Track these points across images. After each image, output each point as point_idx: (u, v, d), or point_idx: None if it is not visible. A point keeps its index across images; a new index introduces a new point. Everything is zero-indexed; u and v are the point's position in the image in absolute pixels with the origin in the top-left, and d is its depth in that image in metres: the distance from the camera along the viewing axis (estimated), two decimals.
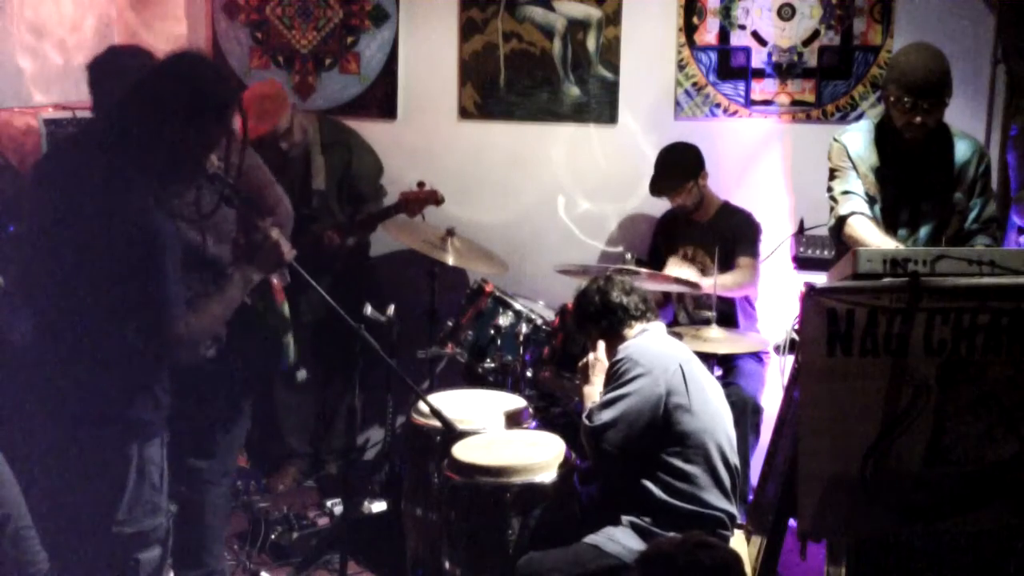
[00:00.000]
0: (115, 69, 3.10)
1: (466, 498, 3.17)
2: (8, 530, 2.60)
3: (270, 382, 4.47)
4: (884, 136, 3.52)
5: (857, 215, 3.43)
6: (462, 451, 3.25)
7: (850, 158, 3.52)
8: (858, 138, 3.55)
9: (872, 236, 3.36)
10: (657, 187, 4.30)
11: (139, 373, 2.66)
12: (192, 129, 2.56)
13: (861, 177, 3.51)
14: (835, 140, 3.60)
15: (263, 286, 3.09)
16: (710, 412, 3.11)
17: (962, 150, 3.52)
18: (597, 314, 3.32)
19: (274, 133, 4.23)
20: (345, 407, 4.72)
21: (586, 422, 3.14)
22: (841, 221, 3.46)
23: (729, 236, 4.23)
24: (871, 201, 3.51)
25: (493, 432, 3.45)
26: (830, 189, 3.56)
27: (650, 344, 3.20)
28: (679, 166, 4.26)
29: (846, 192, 3.50)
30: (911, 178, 3.50)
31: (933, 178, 3.50)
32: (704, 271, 4.21)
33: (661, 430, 3.05)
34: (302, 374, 3.38)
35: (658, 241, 4.51)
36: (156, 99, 2.54)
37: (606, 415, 3.08)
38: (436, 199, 4.44)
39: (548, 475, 3.16)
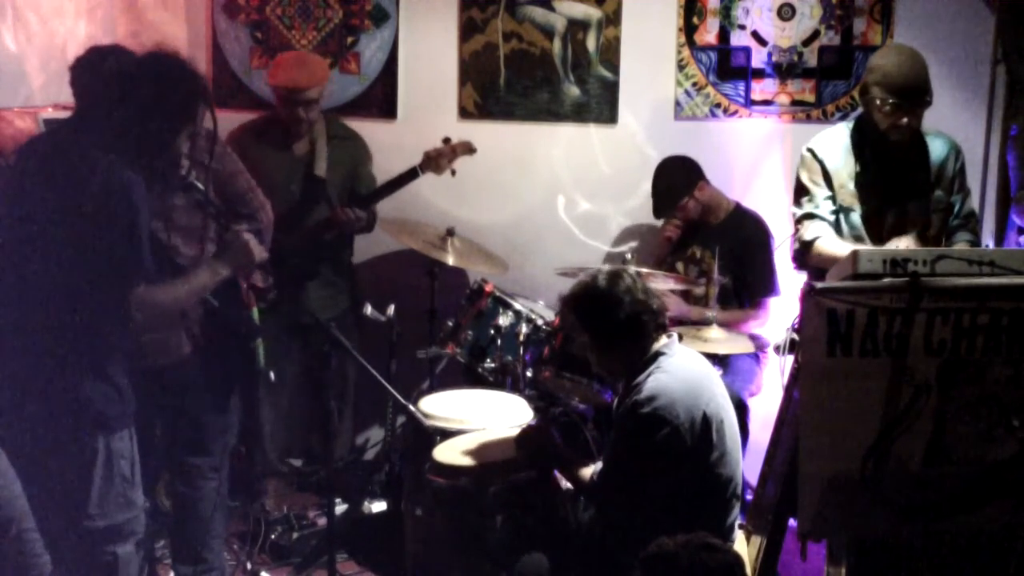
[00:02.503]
0: (96, 68, 3.15)
1: (448, 500, 3.17)
2: (11, 532, 2.61)
3: (254, 395, 4.40)
4: (863, 140, 3.51)
5: (823, 237, 3.45)
6: (442, 453, 3.24)
7: (825, 172, 3.51)
8: (834, 147, 3.54)
9: (844, 250, 3.32)
10: (656, 210, 4.31)
11: (101, 362, 2.71)
12: (160, 118, 2.73)
13: (837, 189, 3.50)
14: (808, 151, 3.58)
15: (233, 291, 3.16)
16: (732, 454, 2.96)
17: (938, 148, 3.53)
18: (626, 324, 2.91)
19: (298, 93, 4.23)
20: (328, 409, 4.66)
21: (604, 482, 2.92)
22: (806, 246, 3.48)
23: (740, 243, 4.23)
24: (847, 211, 3.50)
25: (475, 432, 3.43)
26: (795, 209, 3.55)
27: (677, 377, 2.89)
28: (670, 187, 4.24)
29: (809, 215, 3.51)
30: (894, 180, 3.50)
31: (914, 179, 3.50)
32: (708, 273, 4.22)
33: (682, 482, 2.87)
34: (271, 376, 3.42)
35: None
36: (129, 94, 2.72)
37: (626, 479, 2.86)
38: (469, 149, 4.38)
39: (528, 474, 3.13)
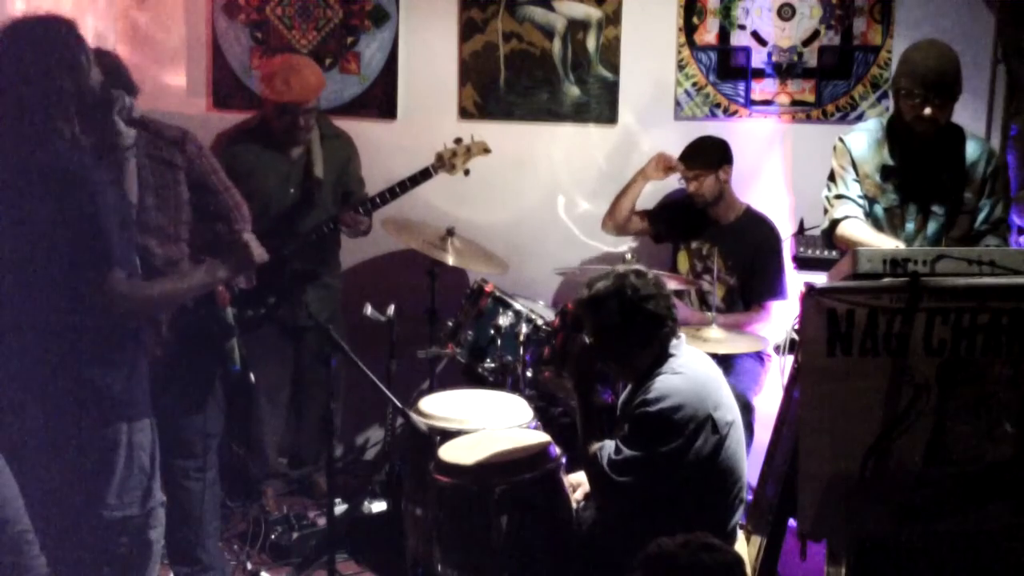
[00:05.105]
0: None
1: (452, 499, 3.16)
2: (7, 534, 2.60)
3: (243, 397, 4.38)
4: (894, 135, 3.52)
5: (850, 219, 3.46)
6: (447, 452, 3.24)
7: (852, 160, 3.53)
8: (862, 138, 3.56)
9: (866, 235, 3.37)
10: (683, 162, 4.33)
11: (113, 351, 2.69)
12: (40, 87, 2.60)
13: (861, 178, 3.52)
14: (839, 140, 3.61)
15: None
16: (738, 457, 2.97)
17: (971, 150, 3.53)
18: (652, 324, 2.89)
19: (301, 105, 4.20)
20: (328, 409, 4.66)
21: (609, 472, 2.88)
22: (833, 224, 3.50)
23: (750, 246, 4.25)
24: (871, 202, 3.51)
25: (480, 432, 3.42)
26: (827, 192, 3.58)
27: (687, 378, 2.90)
28: (701, 155, 4.28)
29: (840, 196, 3.53)
30: (921, 177, 3.50)
31: (943, 178, 3.51)
32: (711, 271, 4.22)
33: (688, 483, 2.88)
34: (252, 377, 3.38)
35: (663, 226, 4.48)
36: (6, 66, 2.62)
37: (631, 476, 2.84)
38: (484, 149, 4.35)
39: (533, 474, 3.12)
